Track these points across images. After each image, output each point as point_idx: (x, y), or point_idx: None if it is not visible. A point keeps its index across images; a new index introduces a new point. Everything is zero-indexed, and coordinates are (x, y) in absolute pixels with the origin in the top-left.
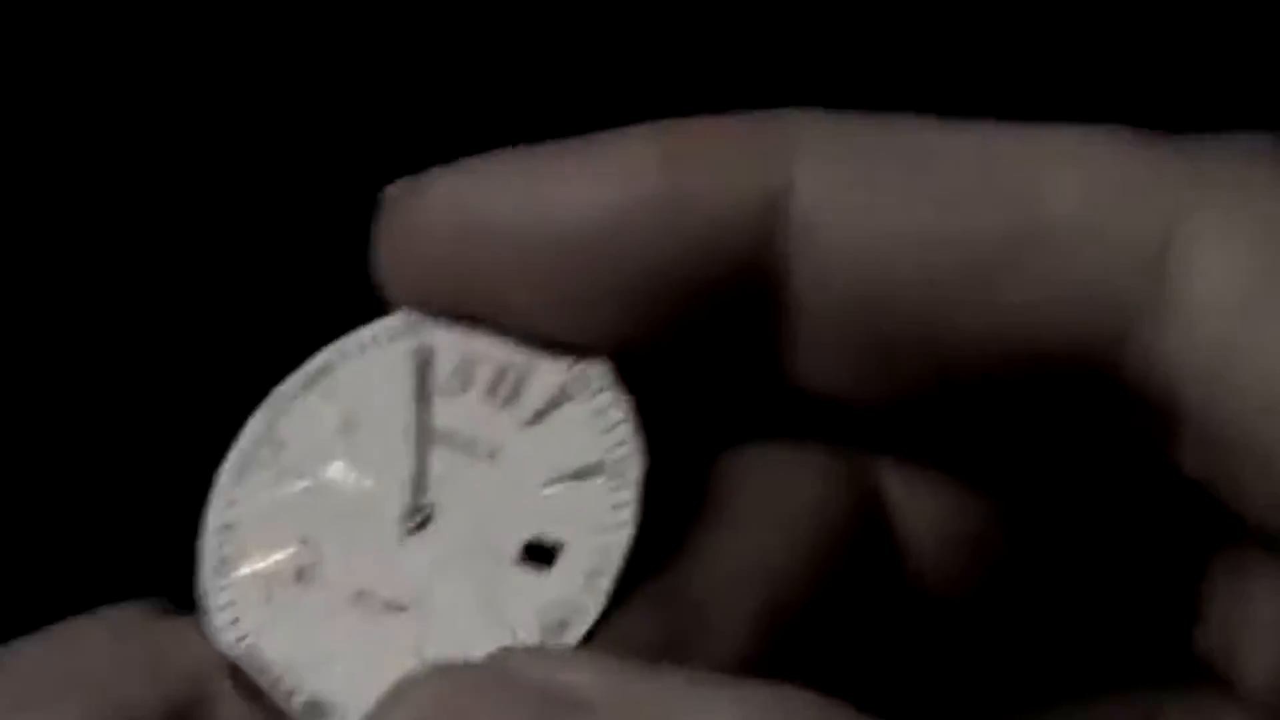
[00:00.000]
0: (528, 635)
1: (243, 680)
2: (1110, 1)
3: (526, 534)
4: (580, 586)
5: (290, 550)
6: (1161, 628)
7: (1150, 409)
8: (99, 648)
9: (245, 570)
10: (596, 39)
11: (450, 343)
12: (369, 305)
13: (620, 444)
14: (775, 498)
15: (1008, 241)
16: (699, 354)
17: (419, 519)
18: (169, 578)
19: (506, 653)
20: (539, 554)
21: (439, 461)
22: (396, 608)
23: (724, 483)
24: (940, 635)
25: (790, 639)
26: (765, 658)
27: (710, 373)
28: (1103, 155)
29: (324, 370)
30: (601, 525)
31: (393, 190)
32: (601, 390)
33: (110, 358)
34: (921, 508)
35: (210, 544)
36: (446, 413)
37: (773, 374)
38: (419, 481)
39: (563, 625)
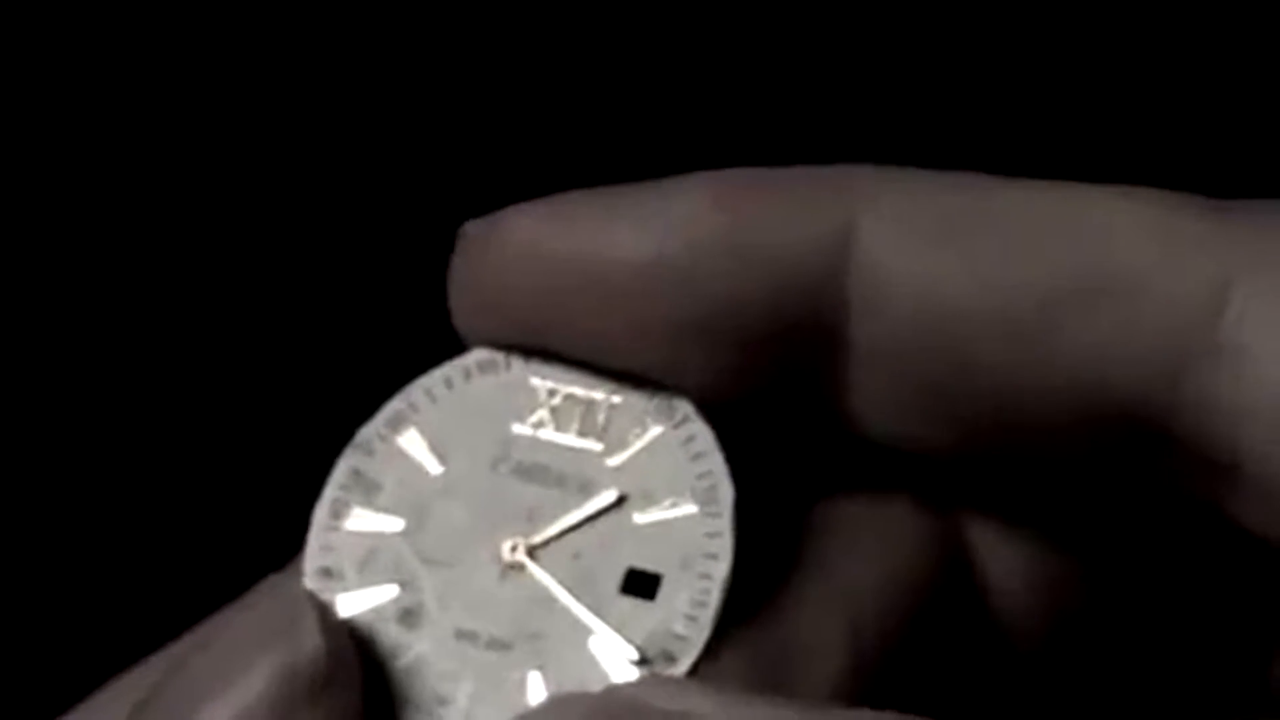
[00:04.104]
0: (635, 667)
1: None
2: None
3: (625, 566)
4: (683, 618)
5: (392, 594)
6: (1237, 664)
7: (1207, 465)
8: None
9: (348, 616)
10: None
11: (531, 377)
12: (438, 342)
13: (709, 473)
14: (865, 546)
15: (1067, 291)
16: (767, 401)
17: (516, 557)
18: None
19: (628, 683)
20: (640, 585)
21: (531, 497)
22: (501, 645)
23: (815, 529)
24: (1021, 677)
25: (879, 680)
26: (855, 698)
27: (780, 420)
28: (1159, 212)
29: (408, 410)
30: (698, 555)
31: (469, 228)
32: (686, 420)
33: (177, 393)
34: (1004, 556)
35: (311, 590)
36: (534, 448)
37: (837, 422)
38: (513, 519)
39: (668, 657)
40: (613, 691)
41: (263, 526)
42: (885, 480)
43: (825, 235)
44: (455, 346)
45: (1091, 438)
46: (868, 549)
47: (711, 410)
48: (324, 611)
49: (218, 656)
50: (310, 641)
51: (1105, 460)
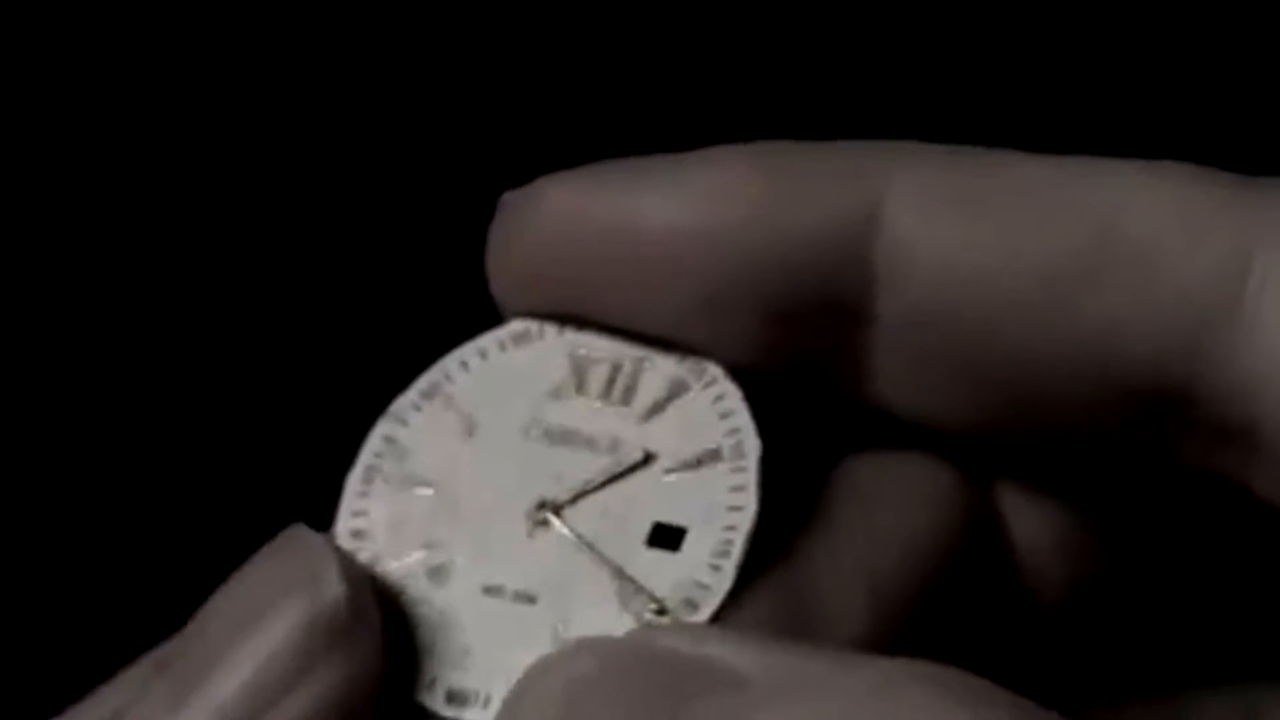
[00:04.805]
0: (658, 617)
1: None
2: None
3: (652, 520)
4: (706, 568)
5: (421, 553)
6: (1257, 629)
7: (1226, 437)
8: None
9: (378, 573)
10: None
11: (565, 345)
12: (480, 316)
13: (736, 430)
14: (889, 502)
15: (1090, 261)
16: (796, 370)
17: (544, 515)
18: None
19: (648, 628)
20: (666, 538)
21: (561, 459)
22: (527, 599)
23: (839, 486)
24: (1044, 634)
25: (901, 633)
26: (877, 648)
27: (808, 388)
28: (1179, 184)
29: (443, 380)
30: (723, 507)
31: (506, 199)
32: (715, 381)
33: (224, 366)
34: (1031, 515)
35: (343, 551)
36: (566, 412)
37: (860, 395)
38: (542, 480)
39: (691, 605)
40: (633, 636)
41: (299, 495)
42: (912, 442)
43: (853, 209)
44: (494, 321)
45: (1112, 409)
46: (892, 507)
47: (741, 375)
48: (345, 560)
49: (239, 606)
50: (331, 590)
51: (1127, 431)
